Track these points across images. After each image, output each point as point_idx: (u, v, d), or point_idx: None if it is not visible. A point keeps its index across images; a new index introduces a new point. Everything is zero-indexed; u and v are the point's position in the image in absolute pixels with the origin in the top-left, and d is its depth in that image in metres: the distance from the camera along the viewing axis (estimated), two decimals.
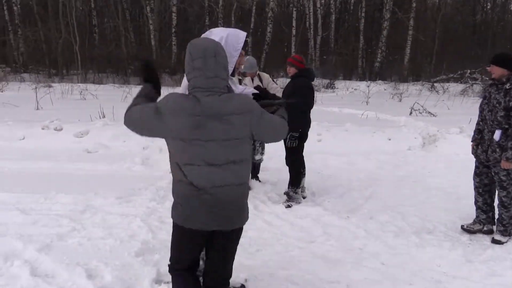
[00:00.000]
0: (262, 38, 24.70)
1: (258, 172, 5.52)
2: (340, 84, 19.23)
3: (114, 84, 18.15)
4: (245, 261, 3.35)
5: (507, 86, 3.68)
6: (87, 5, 24.56)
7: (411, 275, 3.26)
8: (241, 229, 2.29)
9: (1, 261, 3.22)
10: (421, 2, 25.42)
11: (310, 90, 4.74)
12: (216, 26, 24.44)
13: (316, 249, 3.67)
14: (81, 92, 13.84)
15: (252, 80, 5.38)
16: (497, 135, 3.74)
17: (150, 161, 6.23)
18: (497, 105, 3.73)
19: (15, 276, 3.00)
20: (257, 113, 2.12)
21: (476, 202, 4.16)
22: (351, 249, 3.70)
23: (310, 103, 4.76)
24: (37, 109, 10.64)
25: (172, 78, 18.96)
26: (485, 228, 4.11)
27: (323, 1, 26.39)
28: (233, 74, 2.43)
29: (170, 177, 5.21)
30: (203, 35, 2.40)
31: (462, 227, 4.17)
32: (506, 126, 3.70)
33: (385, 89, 17.77)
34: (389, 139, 7.61)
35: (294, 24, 23.72)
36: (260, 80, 5.43)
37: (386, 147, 7.21)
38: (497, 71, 3.73)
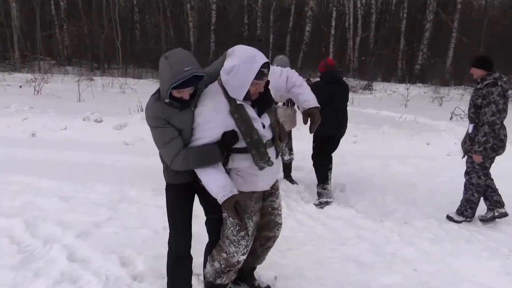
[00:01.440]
0: (300, 37, 24.56)
1: (290, 172, 5.50)
2: (378, 86, 18.86)
3: (153, 79, 18.53)
4: (276, 259, 3.35)
5: (479, 86, 4.11)
6: (129, 2, 25.14)
7: (445, 283, 3.16)
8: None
9: (41, 245, 3.36)
10: (466, 3, 24.54)
11: (322, 93, 4.51)
12: (254, 25, 24.58)
13: (348, 251, 3.63)
14: (121, 86, 14.21)
15: None
16: (470, 128, 4.26)
17: None
18: (471, 102, 4.21)
19: (53, 260, 3.12)
20: None
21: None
22: (383, 254, 3.63)
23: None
24: (79, 101, 11.00)
25: None
26: (496, 213, 4.36)
27: (363, 1, 25.94)
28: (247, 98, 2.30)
29: None
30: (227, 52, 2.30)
31: (479, 218, 4.48)
32: (477, 121, 4.14)
33: (425, 92, 17.31)
34: (428, 144, 7.41)
35: (333, 24, 23.43)
36: None
37: (424, 152, 7.01)
38: (476, 72, 4.15)
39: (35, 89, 11.80)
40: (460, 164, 4.77)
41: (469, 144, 4.25)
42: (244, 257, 2.57)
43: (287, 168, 5.45)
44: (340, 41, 23.87)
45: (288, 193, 4.97)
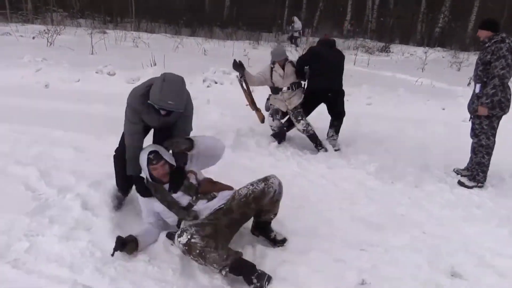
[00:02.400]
0: None
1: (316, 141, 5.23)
2: (395, 48, 18.41)
3: (166, 34, 18.29)
4: (286, 216, 3.37)
5: (487, 44, 4.17)
6: None
7: (454, 247, 3.16)
8: None
9: (55, 193, 3.42)
10: None
11: (313, 56, 5.16)
12: None
13: (358, 212, 3.64)
14: (134, 40, 14.05)
15: (283, 67, 5.22)
16: (477, 88, 4.30)
17: (198, 112, 6.27)
18: (479, 61, 4.25)
19: (67, 207, 3.18)
20: None
21: (471, 150, 4.61)
22: (393, 215, 3.64)
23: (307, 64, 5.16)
24: (92, 53, 10.93)
25: (223, 32, 18.82)
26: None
27: None
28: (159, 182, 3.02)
29: (217, 126, 5.30)
30: None
31: (453, 169, 4.79)
32: (485, 79, 4.18)
33: (443, 57, 16.86)
34: (443, 109, 7.29)
35: None
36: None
37: (439, 117, 6.90)
38: (483, 34, 4.24)
39: (48, 41, 11.72)
40: None
41: (476, 104, 4.27)
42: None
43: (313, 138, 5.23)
44: (358, 1, 23.13)
45: (299, 151, 4.96)
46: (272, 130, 5.25)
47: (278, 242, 3.00)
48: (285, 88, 5.19)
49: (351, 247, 3.03)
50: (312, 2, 23.62)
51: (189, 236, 2.47)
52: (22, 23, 18.32)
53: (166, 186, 2.96)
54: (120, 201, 3.38)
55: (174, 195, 2.93)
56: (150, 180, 2.99)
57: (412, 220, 3.58)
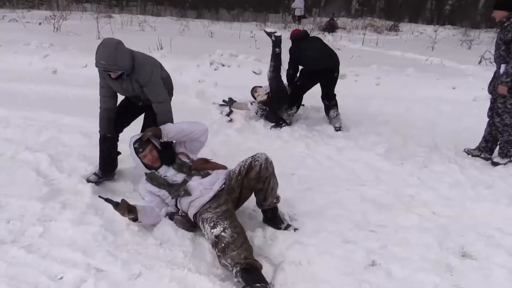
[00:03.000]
0: None
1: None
2: (404, 26, 18.11)
3: (172, 17, 18.15)
4: (294, 197, 3.40)
5: (506, 23, 4.10)
6: None
7: (463, 227, 3.15)
8: None
9: (66, 178, 3.47)
10: None
11: (295, 52, 5.34)
12: None
13: (366, 192, 3.65)
14: (140, 23, 13.97)
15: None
16: (502, 68, 4.18)
17: (205, 95, 6.29)
18: (500, 41, 4.19)
19: (78, 192, 3.23)
20: None
21: (484, 131, 4.62)
22: (402, 196, 3.64)
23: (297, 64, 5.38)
24: (98, 38, 10.87)
25: (229, 13, 18.63)
26: (482, 156, 4.60)
27: None
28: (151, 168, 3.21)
29: (225, 111, 5.28)
30: None
31: (464, 150, 4.73)
32: (507, 59, 4.10)
33: (453, 35, 16.58)
34: (453, 88, 7.19)
35: None
36: None
37: (449, 96, 6.81)
38: (497, 14, 4.18)
39: (54, 26, 11.69)
40: (485, 109, 4.64)
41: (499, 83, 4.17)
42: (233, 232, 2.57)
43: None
44: None
45: (308, 133, 4.95)
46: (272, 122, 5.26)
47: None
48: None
49: (360, 228, 3.04)
50: None
51: (221, 229, 2.53)
52: (28, 9, 18.28)
53: (161, 170, 3.07)
54: (97, 179, 3.51)
55: (168, 175, 3.03)
56: (146, 168, 3.13)
57: (421, 200, 3.57)
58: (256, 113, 5.34)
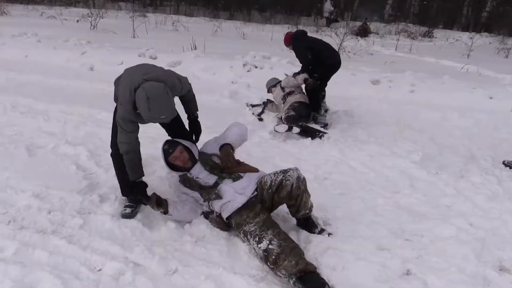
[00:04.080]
0: None
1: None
2: (439, 33, 17.74)
3: (204, 17, 18.35)
4: (328, 202, 3.38)
5: None
6: None
7: (502, 241, 3.06)
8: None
9: (104, 172, 3.57)
10: None
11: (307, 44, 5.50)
12: None
13: (401, 200, 3.59)
14: (174, 23, 14.20)
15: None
16: None
17: (238, 96, 6.33)
18: None
19: (116, 187, 3.30)
20: None
21: None
22: (438, 206, 3.56)
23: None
24: (133, 37, 11.12)
25: (261, 15, 18.69)
26: None
27: None
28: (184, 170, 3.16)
29: (257, 111, 5.28)
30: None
31: (503, 162, 4.51)
32: None
33: (490, 43, 16.16)
34: (491, 98, 6.99)
35: None
36: None
37: (486, 106, 6.63)
38: None
39: (91, 24, 12.01)
40: None
41: None
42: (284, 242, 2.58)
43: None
44: None
45: (341, 138, 4.91)
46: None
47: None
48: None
49: (395, 236, 2.99)
50: None
51: (268, 242, 2.55)
52: (65, 7, 18.84)
53: (193, 171, 3.05)
54: (133, 209, 3.06)
55: (200, 176, 3.00)
56: (174, 172, 3.14)
57: (458, 211, 3.49)
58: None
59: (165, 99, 2.60)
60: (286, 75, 5.90)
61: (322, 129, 5.09)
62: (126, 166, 2.86)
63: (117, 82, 3.01)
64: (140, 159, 2.93)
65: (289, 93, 5.42)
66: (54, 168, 3.61)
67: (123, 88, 2.74)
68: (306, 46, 5.40)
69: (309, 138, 4.79)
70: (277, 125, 4.90)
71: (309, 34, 5.78)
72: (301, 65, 5.55)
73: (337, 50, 5.57)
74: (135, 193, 2.87)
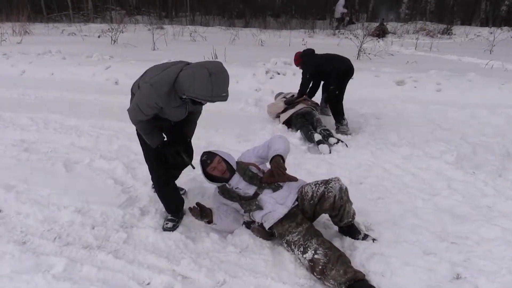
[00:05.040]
0: None
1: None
2: (458, 29, 17.49)
3: (220, 27, 18.48)
4: (367, 207, 3.35)
5: None
6: None
7: None
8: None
9: (142, 185, 3.61)
10: None
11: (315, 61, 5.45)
12: None
13: (441, 202, 3.53)
14: (191, 34, 14.33)
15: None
16: None
17: (263, 103, 6.34)
18: None
19: (155, 200, 3.32)
20: None
21: None
22: (478, 206, 3.49)
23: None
24: (154, 49, 11.26)
25: (276, 21, 18.73)
26: None
27: None
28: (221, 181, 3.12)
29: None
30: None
31: None
32: None
33: (511, 37, 15.84)
34: None
35: None
36: None
37: None
38: None
39: (112, 39, 12.21)
40: None
41: None
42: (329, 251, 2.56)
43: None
44: None
45: (371, 141, 4.86)
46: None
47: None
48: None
49: (440, 239, 2.94)
50: None
51: (313, 252, 2.54)
52: (84, 23, 19.21)
53: (232, 181, 3.04)
54: (174, 223, 3.10)
55: (240, 186, 3.00)
56: (212, 183, 3.13)
57: (500, 211, 3.41)
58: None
59: (227, 76, 2.43)
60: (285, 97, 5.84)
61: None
62: (143, 135, 2.81)
63: (139, 83, 2.75)
64: (155, 127, 2.77)
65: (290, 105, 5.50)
66: (92, 183, 3.67)
67: (153, 87, 2.51)
68: (314, 65, 5.38)
69: (340, 143, 4.76)
70: (319, 144, 4.72)
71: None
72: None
73: (348, 56, 5.51)
74: (173, 155, 2.77)
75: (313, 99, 5.76)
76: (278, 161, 2.94)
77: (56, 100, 6.64)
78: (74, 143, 4.70)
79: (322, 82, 5.72)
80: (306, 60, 5.51)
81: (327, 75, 5.40)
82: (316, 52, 5.62)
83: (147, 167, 3.08)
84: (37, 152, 4.41)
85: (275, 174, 2.90)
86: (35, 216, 3.14)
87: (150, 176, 3.60)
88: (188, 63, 2.59)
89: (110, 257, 2.66)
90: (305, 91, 5.50)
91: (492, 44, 12.26)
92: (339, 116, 5.30)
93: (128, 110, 2.70)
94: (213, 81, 2.34)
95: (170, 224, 3.05)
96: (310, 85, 5.54)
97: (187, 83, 2.40)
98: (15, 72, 8.55)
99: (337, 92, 5.30)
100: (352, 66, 5.35)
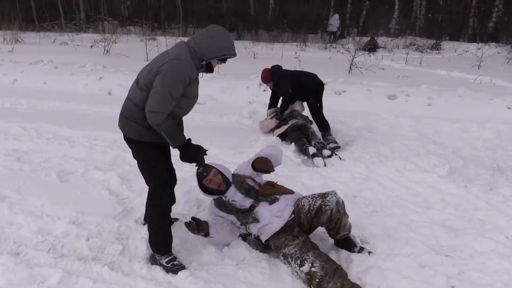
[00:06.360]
0: None
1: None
2: (447, 45, 17.77)
3: None
4: (362, 220, 3.37)
5: None
6: None
7: None
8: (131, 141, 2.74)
9: (137, 197, 3.58)
10: None
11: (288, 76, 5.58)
12: None
13: (434, 215, 3.57)
14: None
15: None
16: None
17: (256, 115, 6.37)
18: None
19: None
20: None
21: None
22: (471, 220, 3.54)
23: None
24: (147, 60, 11.25)
25: (269, 34, 18.88)
26: None
27: None
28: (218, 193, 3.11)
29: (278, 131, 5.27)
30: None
31: None
32: None
33: (498, 53, 16.13)
34: (509, 108, 6.96)
35: None
36: None
37: (505, 116, 6.59)
38: None
39: (104, 49, 12.19)
40: None
41: None
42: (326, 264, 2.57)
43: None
44: None
45: (365, 154, 4.90)
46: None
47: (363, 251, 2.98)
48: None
49: (435, 252, 2.97)
50: (357, 0, 23.23)
51: (310, 265, 2.55)
52: (76, 32, 19.17)
53: (228, 194, 3.05)
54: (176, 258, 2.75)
55: (236, 199, 3.01)
56: (208, 196, 3.13)
57: (493, 224, 3.46)
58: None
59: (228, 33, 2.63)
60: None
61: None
62: (167, 135, 2.55)
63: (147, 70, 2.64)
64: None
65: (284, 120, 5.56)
66: (86, 194, 3.65)
67: (175, 66, 2.45)
68: (288, 79, 5.47)
69: (334, 155, 4.80)
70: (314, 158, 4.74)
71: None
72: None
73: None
74: (193, 157, 2.70)
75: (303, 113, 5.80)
76: (262, 158, 3.11)
77: (49, 110, 6.61)
78: (68, 153, 4.67)
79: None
80: (280, 76, 5.55)
81: (301, 87, 5.50)
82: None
83: (146, 177, 2.84)
84: (30, 162, 4.37)
85: (262, 163, 3.06)
86: (28, 227, 3.10)
87: (145, 187, 3.57)
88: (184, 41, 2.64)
89: (106, 269, 2.64)
90: (288, 106, 5.57)
91: (480, 60, 12.47)
92: (325, 125, 5.41)
93: (152, 106, 2.44)
94: (228, 36, 2.55)
95: (177, 261, 2.70)
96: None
97: (207, 45, 2.49)
98: (7, 81, 8.51)
99: (318, 105, 5.48)
100: (321, 80, 5.58)
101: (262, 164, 3.11)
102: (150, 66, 2.59)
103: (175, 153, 2.78)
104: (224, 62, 2.64)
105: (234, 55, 2.57)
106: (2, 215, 3.26)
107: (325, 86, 5.68)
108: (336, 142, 5.19)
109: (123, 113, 2.72)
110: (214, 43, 2.48)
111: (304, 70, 5.81)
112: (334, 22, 18.91)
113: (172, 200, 3.03)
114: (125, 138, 2.79)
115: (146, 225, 3.10)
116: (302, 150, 4.89)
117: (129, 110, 2.65)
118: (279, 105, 5.72)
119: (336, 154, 4.85)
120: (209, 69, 2.63)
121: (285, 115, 5.55)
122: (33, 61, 9.78)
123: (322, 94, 5.57)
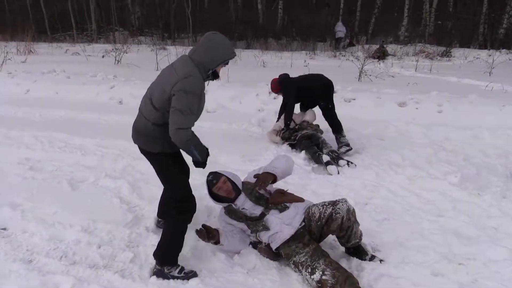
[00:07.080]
0: (372, 0, 23.46)
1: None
2: (457, 52, 17.67)
3: None
4: (373, 228, 3.35)
5: None
6: None
7: None
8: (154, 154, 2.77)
9: (147, 205, 3.60)
10: None
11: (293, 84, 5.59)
12: None
13: (447, 223, 3.53)
14: None
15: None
16: None
17: (266, 123, 6.38)
18: None
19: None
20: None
21: None
22: (484, 227, 3.50)
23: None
24: (157, 69, 11.35)
25: (277, 43, 18.95)
26: None
27: None
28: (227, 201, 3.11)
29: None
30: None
31: None
32: None
33: (510, 59, 15.98)
34: None
35: None
36: None
37: None
38: None
39: (115, 59, 12.34)
40: None
41: None
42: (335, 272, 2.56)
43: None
44: (415, 4, 22.50)
45: (375, 161, 4.88)
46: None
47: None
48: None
49: (448, 260, 2.94)
50: (366, 7, 23.23)
51: (321, 273, 2.54)
52: (88, 43, 19.44)
53: (238, 202, 3.05)
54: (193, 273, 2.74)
55: (246, 207, 3.00)
56: (218, 203, 3.13)
57: (506, 233, 3.41)
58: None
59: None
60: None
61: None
62: (197, 148, 2.63)
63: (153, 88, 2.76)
64: None
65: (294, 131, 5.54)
66: (98, 202, 3.67)
67: (188, 81, 2.52)
68: (295, 87, 5.49)
69: (344, 163, 4.78)
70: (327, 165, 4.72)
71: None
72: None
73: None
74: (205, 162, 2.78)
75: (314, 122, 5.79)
76: (264, 175, 3.06)
77: (60, 119, 6.68)
78: (79, 161, 4.71)
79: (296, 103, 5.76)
80: (287, 85, 5.58)
81: (311, 93, 5.50)
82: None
83: (172, 186, 2.86)
84: (42, 170, 4.42)
85: (258, 181, 3.03)
86: (40, 235, 3.13)
87: (155, 195, 3.60)
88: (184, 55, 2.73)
89: (117, 277, 2.65)
90: (291, 117, 5.54)
91: (491, 67, 12.37)
92: (339, 128, 5.38)
93: (180, 124, 2.50)
94: (226, 41, 2.65)
95: (187, 269, 2.72)
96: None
97: (211, 54, 2.59)
98: (20, 91, 8.63)
99: (330, 106, 5.44)
100: (327, 78, 5.54)
101: (259, 181, 3.08)
102: (162, 88, 2.60)
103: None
104: (227, 64, 2.75)
105: (234, 55, 2.71)
106: (14, 222, 3.30)
107: (334, 94, 5.67)
108: (348, 145, 5.23)
109: (142, 131, 2.77)
110: (216, 51, 2.60)
111: (310, 73, 5.78)
112: (340, 28, 19.02)
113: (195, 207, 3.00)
114: (146, 153, 2.85)
115: (157, 234, 3.12)
116: (315, 158, 4.88)
117: (147, 128, 2.71)
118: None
119: (352, 163, 4.82)
120: (215, 75, 2.73)
121: (291, 129, 5.53)
122: (45, 71, 9.92)
123: (332, 94, 5.55)
